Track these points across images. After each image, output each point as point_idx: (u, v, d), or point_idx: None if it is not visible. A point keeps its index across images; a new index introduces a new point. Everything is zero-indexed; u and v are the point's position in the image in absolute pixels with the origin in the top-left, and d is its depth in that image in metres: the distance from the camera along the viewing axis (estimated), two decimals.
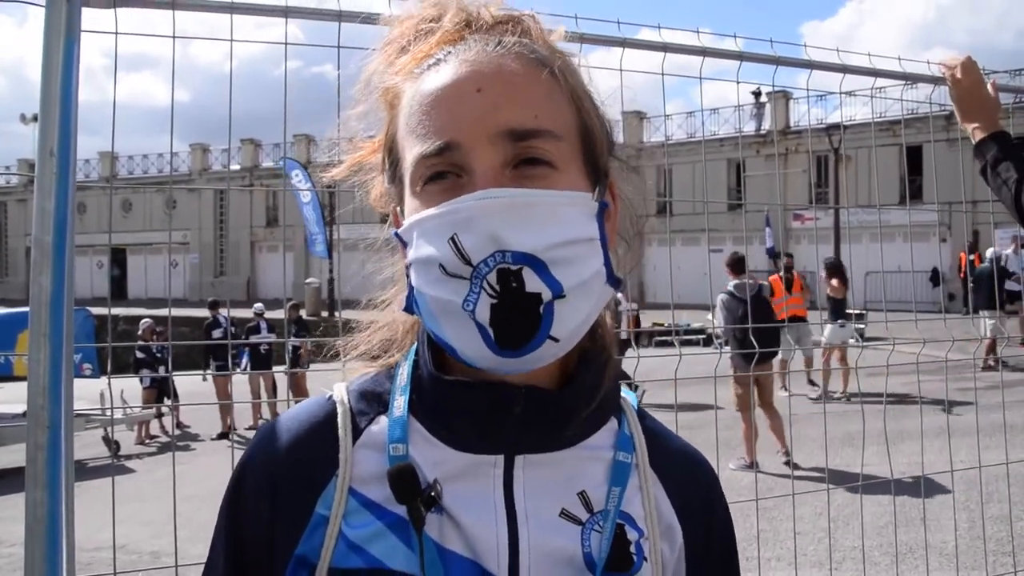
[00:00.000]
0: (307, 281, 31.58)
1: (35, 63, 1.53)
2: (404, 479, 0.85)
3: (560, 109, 0.87)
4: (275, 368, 14.54)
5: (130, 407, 12.39)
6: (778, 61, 2.36)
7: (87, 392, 8.91)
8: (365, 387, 0.98)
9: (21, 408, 1.58)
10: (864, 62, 2.50)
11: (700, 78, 2.36)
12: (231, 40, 1.88)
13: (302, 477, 0.91)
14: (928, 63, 2.58)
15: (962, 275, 21.44)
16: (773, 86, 2.61)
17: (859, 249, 26.16)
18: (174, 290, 43.61)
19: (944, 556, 5.72)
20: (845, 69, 2.46)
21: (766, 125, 33.90)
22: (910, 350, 3.20)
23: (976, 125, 2.42)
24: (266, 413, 13.26)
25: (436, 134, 0.84)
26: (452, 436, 0.89)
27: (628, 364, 1.80)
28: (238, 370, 14.39)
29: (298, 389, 12.21)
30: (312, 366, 13.27)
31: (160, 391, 13.76)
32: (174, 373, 13.40)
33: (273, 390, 14.14)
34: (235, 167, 44.29)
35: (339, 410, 0.94)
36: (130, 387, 14.07)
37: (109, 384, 2.06)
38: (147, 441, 13.41)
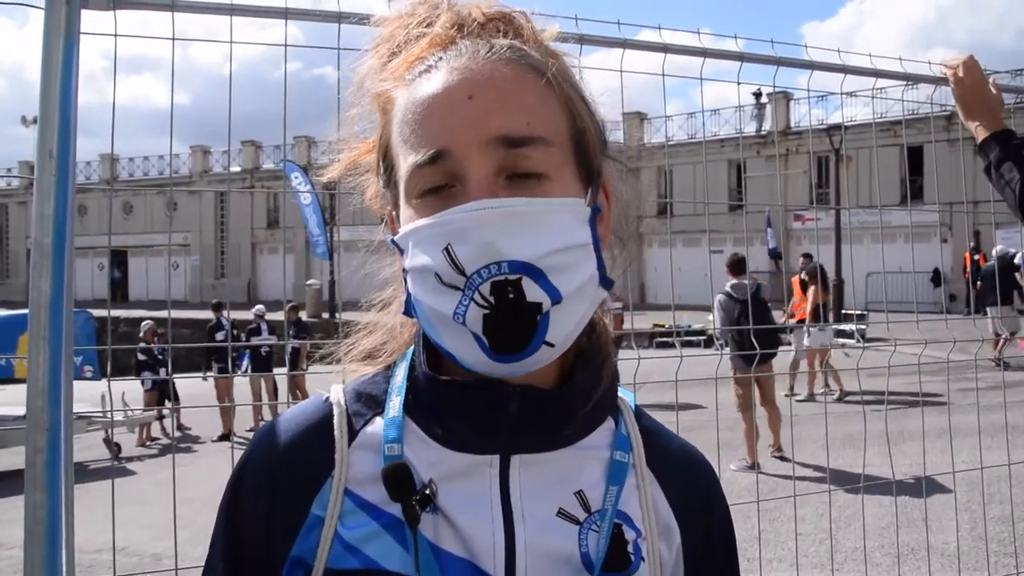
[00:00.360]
0: (308, 283, 31.58)
1: (36, 66, 1.53)
2: (398, 478, 0.86)
3: (552, 114, 0.87)
4: (275, 370, 14.54)
5: (131, 409, 12.38)
6: (779, 62, 2.35)
7: (88, 394, 8.91)
8: (361, 388, 0.98)
9: (22, 410, 1.57)
10: (865, 63, 2.49)
11: (700, 79, 2.36)
12: (231, 42, 1.88)
13: (298, 478, 0.91)
14: (929, 63, 2.58)
15: (967, 275, 21.45)
16: (774, 87, 2.61)
17: (860, 250, 26.15)
18: (175, 292, 43.66)
19: (946, 557, 5.72)
20: (846, 70, 2.46)
21: (767, 126, 33.90)
22: (911, 351, 3.20)
23: (979, 124, 2.42)
24: (267, 415, 13.25)
25: (429, 142, 0.84)
26: (448, 436, 0.90)
27: (628, 365, 1.80)
28: (239, 372, 14.41)
29: (297, 391, 12.21)
30: (311, 368, 13.29)
31: (161, 393, 13.76)
32: (175, 375, 13.41)
33: (274, 392, 14.15)
34: (236, 169, 44.32)
35: (335, 411, 0.95)
36: (131, 389, 14.07)
37: (109, 387, 2.05)
38: (148, 443, 13.41)
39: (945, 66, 2.49)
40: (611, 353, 0.99)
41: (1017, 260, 14.19)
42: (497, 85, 0.85)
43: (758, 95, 32.53)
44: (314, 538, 0.88)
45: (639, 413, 1.03)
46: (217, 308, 15.25)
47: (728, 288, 9.12)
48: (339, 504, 0.89)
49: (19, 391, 1.67)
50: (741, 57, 2.32)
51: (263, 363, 14.29)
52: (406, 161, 0.86)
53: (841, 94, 2.66)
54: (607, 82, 1.01)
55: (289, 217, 32.16)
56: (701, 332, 18.33)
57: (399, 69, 0.91)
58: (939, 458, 4.89)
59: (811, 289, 12.48)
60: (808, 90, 2.63)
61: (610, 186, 0.96)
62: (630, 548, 0.91)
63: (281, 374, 13.22)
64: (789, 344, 12.61)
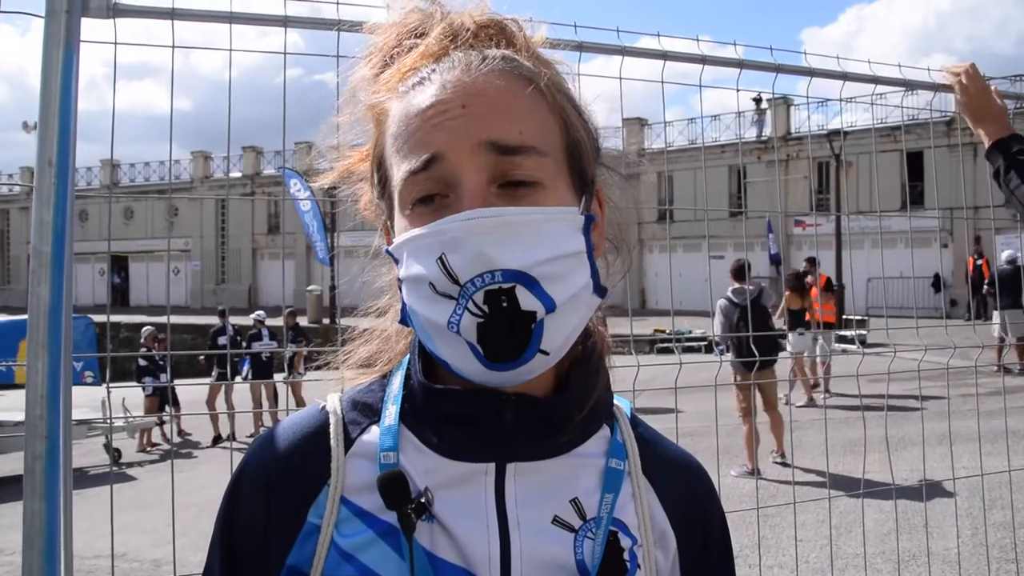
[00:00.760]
0: (308, 288, 31.60)
1: (37, 72, 1.54)
2: (393, 486, 0.86)
3: (545, 124, 0.88)
4: (275, 376, 14.54)
5: (131, 416, 12.38)
6: (778, 68, 2.36)
7: (89, 400, 8.92)
8: (358, 397, 0.98)
9: (22, 416, 1.57)
10: (864, 69, 2.50)
11: (700, 86, 2.36)
12: (230, 49, 1.89)
13: (295, 486, 0.91)
14: (928, 70, 2.58)
15: (969, 280, 21.43)
16: (773, 93, 2.62)
17: (861, 255, 26.15)
18: (176, 297, 43.66)
19: (947, 563, 5.70)
20: (845, 76, 2.46)
21: (767, 131, 33.92)
22: (912, 356, 3.20)
23: (986, 130, 2.43)
24: (267, 421, 13.25)
25: (422, 149, 0.84)
26: (443, 444, 0.90)
27: (628, 372, 1.80)
28: (239, 378, 14.41)
29: (296, 397, 12.22)
30: (309, 375, 13.29)
31: (163, 399, 13.76)
32: (176, 381, 13.41)
33: (275, 398, 14.15)
34: (236, 175, 44.35)
35: (331, 420, 0.95)
36: (132, 395, 14.08)
37: (108, 393, 2.05)
38: (149, 449, 13.40)
39: (948, 72, 2.50)
40: (605, 361, 0.99)
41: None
42: (490, 95, 0.85)
43: (758, 101, 32.54)
44: (310, 546, 0.88)
45: (635, 421, 1.03)
46: (223, 315, 15.43)
47: (729, 293, 9.13)
48: (335, 512, 0.89)
49: (20, 396, 1.67)
50: (740, 64, 2.32)
51: (263, 369, 14.29)
52: (400, 170, 0.87)
53: (840, 100, 2.66)
54: (607, 89, 1.00)
55: (289, 223, 32.19)
56: (702, 338, 18.34)
57: (392, 80, 0.92)
58: (940, 464, 4.89)
59: (785, 294, 12.54)
60: (807, 96, 2.63)
61: (603, 194, 0.97)
62: (626, 556, 0.91)
63: (280, 381, 13.23)
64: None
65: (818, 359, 12.52)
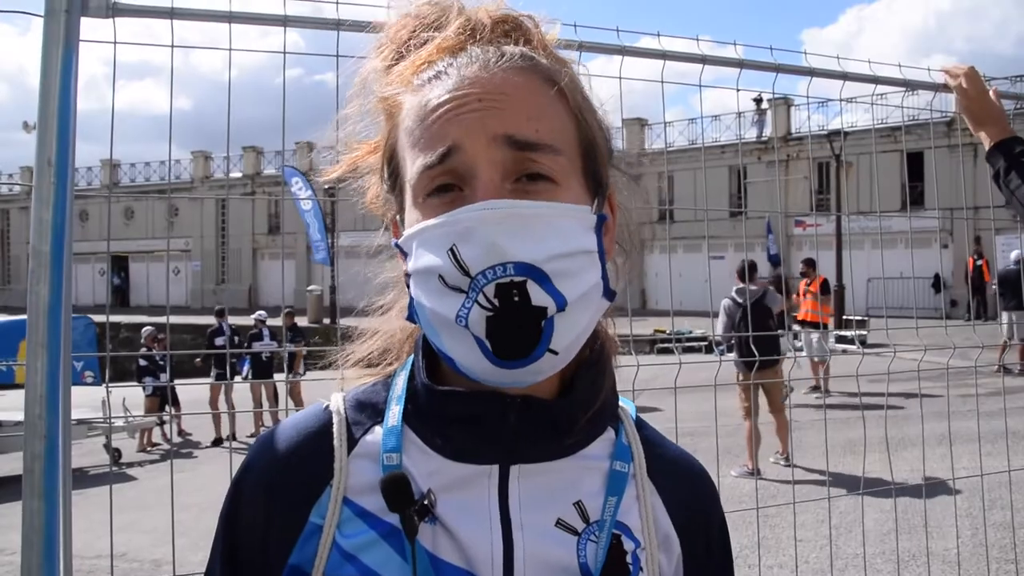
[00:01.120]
0: (309, 288, 31.60)
1: (36, 72, 1.53)
2: (396, 487, 0.85)
3: (562, 123, 0.87)
4: (275, 376, 14.54)
5: (131, 416, 12.38)
6: (778, 68, 2.36)
7: (90, 400, 8.92)
8: (361, 397, 0.98)
9: (22, 416, 1.57)
10: (864, 69, 2.50)
11: (700, 85, 2.36)
12: (230, 49, 1.89)
13: (297, 486, 0.91)
14: (928, 70, 2.58)
15: (969, 280, 21.45)
16: (773, 93, 2.62)
17: (861, 255, 26.15)
18: (176, 298, 43.66)
19: (947, 564, 5.70)
20: (845, 76, 2.46)
21: (767, 132, 33.92)
22: (911, 356, 3.20)
23: (986, 133, 2.43)
24: (268, 421, 13.25)
25: (438, 142, 0.83)
26: (446, 446, 0.89)
27: (628, 371, 1.80)
28: (238, 378, 14.41)
29: (295, 397, 12.22)
30: (309, 374, 13.28)
31: (163, 399, 13.75)
32: (176, 381, 13.41)
33: (274, 398, 14.15)
34: (237, 175, 44.35)
35: (334, 420, 0.95)
36: (133, 394, 14.08)
37: (107, 393, 2.05)
38: (149, 449, 13.40)
39: (947, 73, 2.50)
40: (611, 363, 0.98)
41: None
42: (507, 92, 0.85)
43: (759, 101, 32.55)
44: (312, 546, 0.88)
45: (640, 423, 1.02)
46: (220, 315, 15.31)
47: (734, 292, 9.15)
48: (338, 512, 0.88)
49: (20, 396, 1.67)
50: (740, 64, 2.32)
51: (264, 368, 14.29)
52: (414, 164, 0.86)
53: (840, 100, 2.66)
54: (606, 89, 1.00)
55: (289, 223, 32.21)
56: (702, 338, 18.34)
57: (406, 72, 0.91)
58: (940, 464, 4.89)
59: None
60: (808, 96, 2.63)
61: (615, 198, 0.96)
62: (629, 559, 0.91)
63: (280, 380, 13.23)
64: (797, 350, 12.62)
65: (815, 359, 12.52)
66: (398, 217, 0.93)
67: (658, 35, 2.25)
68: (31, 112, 1.55)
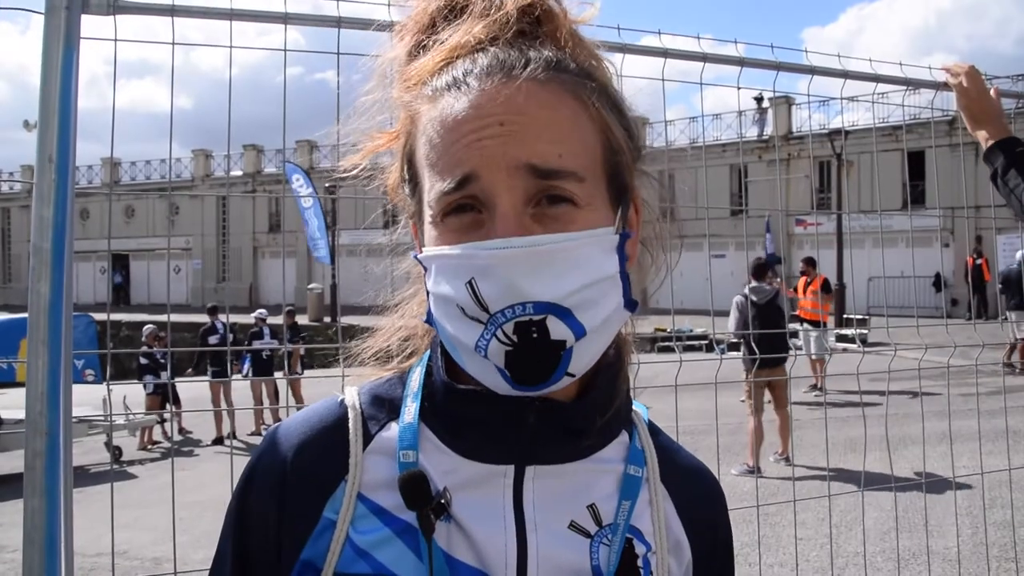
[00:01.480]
0: (309, 287, 31.60)
1: (37, 70, 1.53)
2: (414, 485, 0.85)
3: (586, 144, 0.84)
4: (275, 374, 14.54)
5: (132, 413, 12.39)
6: (779, 66, 2.35)
7: (91, 398, 8.92)
8: (377, 392, 0.97)
9: (23, 414, 1.57)
10: (865, 67, 2.49)
11: (700, 83, 2.36)
12: (230, 47, 1.89)
13: (311, 480, 0.90)
14: (929, 68, 2.58)
15: (968, 279, 21.44)
16: (774, 91, 2.61)
17: (862, 254, 26.12)
18: (177, 296, 43.65)
19: (947, 562, 5.71)
20: (846, 74, 2.46)
21: (768, 131, 33.90)
22: (912, 355, 3.20)
23: (985, 132, 2.43)
24: (268, 419, 13.26)
25: (456, 169, 0.81)
26: (463, 445, 0.89)
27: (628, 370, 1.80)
28: (238, 376, 14.39)
29: (295, 395, 12.22)
30: (309, 372, 13.29)
31: (164, 397, 13.75)
32: (177, 379, 13.40)
33: (275, 396, 14.14)
34: (237, 173, 44.35)
35: (350, 415, 0.94)
36: (134, 393, 14.09)
37: (108, 391, 2.05)
38: (150, 447, 13.40)
39: (948, 71, 2.50)
40: (627, 366, 0.98)
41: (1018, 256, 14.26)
42: (530, 112, 0.81)
43: (760, 100, 32.52)
44: (325, 542, 0.87)
45: (654, 429, 1.02)
46: (213, 312, 15.09)
47: (747, 290, 9.18)
48: (352, 508, 0.88)
49: (21, 395, 1.67)
50: (741, 62, 2.32)
51: (264, 367, 14.27)
52: (433, 187, 0.83)
53: (841, 99, 2.66)
54: None
55: (290, 221, 32.16)
56: (702, 336, 18.33)
57: (424, 72, 0.88)
58: (940, 463, 4.89)
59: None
60: (808, 95, 2.63)
61: (639, 200, 0.94)
62: (640, 563, 0.91)
63: (281, 378, 13.24)
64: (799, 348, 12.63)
65: (814, 357, 12.53)
66: (416, 221, 0.92)
67: (659, 33, 2.24)
68: (32, 110, 1.55)
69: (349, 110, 1.00)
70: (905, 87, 2.61)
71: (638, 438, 0.98)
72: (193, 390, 15.89)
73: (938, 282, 25.79)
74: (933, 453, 5.73)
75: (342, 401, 0.96)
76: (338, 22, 1.74)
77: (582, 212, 0.82)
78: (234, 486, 0.97)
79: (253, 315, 14.87)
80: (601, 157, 0.86)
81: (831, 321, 15.47)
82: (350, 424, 0.93)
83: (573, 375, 0.83)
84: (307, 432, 0.94)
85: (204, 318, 15.75)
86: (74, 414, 1.61)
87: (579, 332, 0.81)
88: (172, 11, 1.69)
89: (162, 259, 44.13)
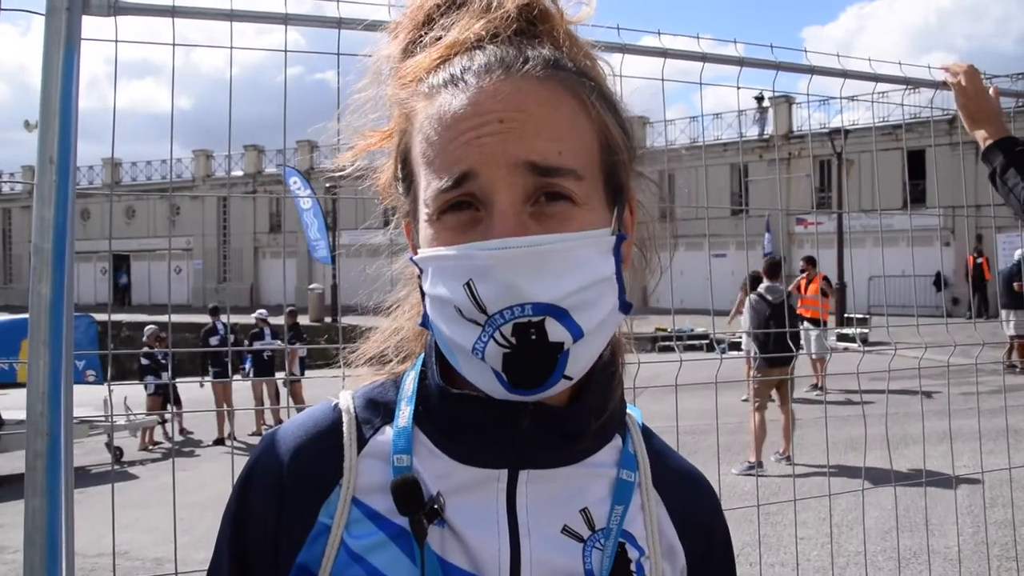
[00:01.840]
0: (310, 287, 31.60)
1: (37, 70, 1.53)
2: (407, 491, 0.85)
3: (584, 142, 0.84)
4: (277, 375, 14.54)
5: (133, 414, 12.39)
6: (779, 66, 2.35)
7: (91, 398, 8.92)
8: (371, 396, 0.97)
9: (24, 415, 1.58)
10: (865, 67, 2.50)
11: (700, 83, 2.36)
12: (231, 47, 1.89)
13: (306, 485, 0.90)
14: (929, 67, 2.58)
15: (969, 278, 21.45)
16: (774, 91, 2.62)
17: (862, 253, 26.11)
18: (178, 296, 43.66)
19: (948, 561, 5.71)
20: (845, 74, 2.46)
21: (769, 130, 33.90)
22: (913, 355, 3.20)
23: (983, 132, 2.43)
24: (269, 419, 13.26)
25: (455, 165, 0.80)
26: (457, 449, 0.89)
27: (629, 370, 1.80)
28: (238, 376, 14.38)
29: (295, 396, 12.22)
30: (310, 373, 13.28)
31: (165, 397, 13.75)
32: (178, 380, 13.40)
33: (276, 396, 14.14)
34: (238, 173, 44.36)
35: (345, 419, 0.94)
36: (135, 393, 14.09)
37: (109, 391, 2.06)
38: (151, 447, 13.41)
39: (947, 70, 2.50)
40: (622, 369, 0.98)
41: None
42: (530, 110, 0.81)
43: (760, 99, 32.52)
44: (320, 546, 0.87)
45: (647, 432, 1.02)
46: (214, 313, 15.11)
47: (761, 290, 9.18)
48: (346, 513, 0.88)
49: (22, 395, 1.68)
50: (741, 62, 2.32)
51: (265, 367, 14.27)
52: (429, 185, 0.83)
53: (841, 98, 2.66)
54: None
55: (291, 221, 32.16)
56: (703, 336, 18.33)
57: (420, 69, 0.87)
58: (941, 462, 4.88)
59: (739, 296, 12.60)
60: (808, 94, 2.63)
61: (635, 201, 0.94)
62: (633, 567, 0.90)
63: (281, 378, 13.24)
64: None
65: (815, 356, 12.54)
66: (410, 220, 0.91)
67: (659, 33, 2.24)
68: (32, 111, 1.55)
69: (343, 107, 1.00)
70: (905, 86, 2.61)
71: (631, 442, 0.97)
72: (194, 391, 15.88)
73: (938, 281, 25.79)
74: (934, 452, 5.73)
75: (336, 405, 0.96)
76: (338, 23, 1.75)
77: (580, 211, 0.82)
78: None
79: (254, 315, 14.89)
80: (598, 156, 0.86)
81: (831, 320, 15.48)
82: (344, 428, 0.93)
83: (570, 378, 0.83)
84: (302, 436, 0.94)
85: (205, 318, 15.74)
86: (75, 415, 1.62)
87: (577, 334, 0.80)
88: (173, 12, 1.69)
89: (163, 259, 44.13)
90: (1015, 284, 13.74)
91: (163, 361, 13.47)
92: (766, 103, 33.18)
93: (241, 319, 16.75)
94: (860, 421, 2.78)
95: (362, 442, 0.92)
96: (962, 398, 6.98)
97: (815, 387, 12.71)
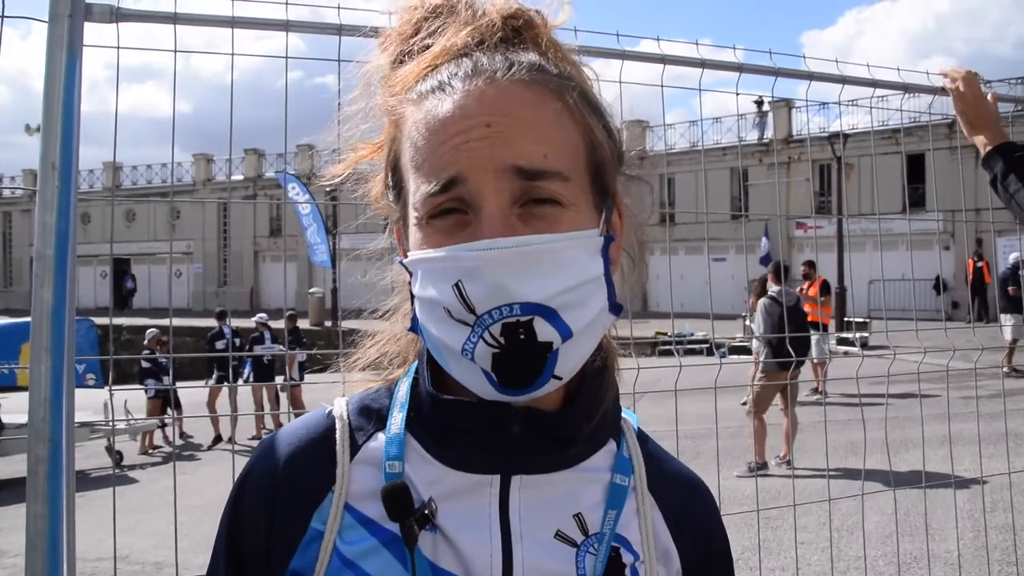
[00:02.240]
0: (310, 291, 31.60)
1: (38, 74, 1.54)
2: (397, 497, 0.85)
3: (570, 144, 0.85)
4: (277, 379, 14.54)
5: (133, 418, 12.38)
6: (777, 72, 2.36)
7: (91, 402, 8.93)
8: (364, 402, 0.97)
9: (24, 418, 1.58)
10: (863, 72, 2.50)
11: (699, 89, 2.37)
12: (232, 54, 1.90)
13: (299, 491, 0.91)
14: (927, 73, 2.59)
15: (969, 283, 21.45)
16: (773, 96, 2.62)
17: (862, 257, 26.14)
18: (178, 300, 43.63)
19: (948, 566, 5.70)
20: (844, 80, 2.47)
21: (768, 134, 33.92)
22: (912, 359, 3.20)
23: (982, 137, 2.44)
24: (269, 423, 13.27)
25: (442, 171, 0.81)
26: (449, 455, 0.89)
27: (628, 375, 1.81)
28: (240, 380, 14.40)
29: (295, 400, 12.21)
30: (310, 377, 13.27)
31: (165, 401, 13.76)
32: (178, 384, 13.40)
33: (276, 400, 14.15)
34: (238, 177, 44.40)
35: (338, 426, 0.94)
36: (134, 397, 14.08)
37: (110, 396, 2.06)
38: (151, 451, 13.40)
39: (945, 76, 2.51)
40: (614, 372, 0.98)
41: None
42: (515, 113, 0.82)
43: (760, 103, 32.55)
44: (313, 552, 0.88)
45: (643, 436, 1.02)
46: (220, 317, 15.22)
47: (773, 293, 9.20)
48: (339, 519, 0.88)
49: (22, 399, 1.68)
50: (740, 68, 2.33)
51: (265, 371, 14.29)
52: (418, 189, 0.84)
53: (840, 103, 2.67)
54: (607, 93, 0.98)
55: (291, 225, 32.17)
56: (703, 340, 18.33)
57: (409, 78, 0.89)
58: (941, 466, 4.88)
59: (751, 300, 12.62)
60: (807, 100, 2.64)
61: (623, 206, 0.94)
62: (627, 572, 0.91)
63: (281, 383, 13.24)
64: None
65: (815, 360, 12.54)
66: (401, 226, 0.92)
67: (658, 39, 2.25)
68: (32, 115, 1.56)
69: (335, 118, 1.01)
70: (903, 92, 2.62)
71: (626, 446, 0.97)
72: (194, 394, 15.89)
73: (938, 285, 25.81)
74: (934, 456, 5.73)
75: (330, 412, 0.96)
76: (339, 29, 1.75)
77: (567, 212, 0.83)
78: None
79: (254, 319, 14.92)
80: (584, 158, 0.87)
81: (831, 323, 15.47)
82: (337, 435, 0.93)
83: (560, 378, 0.83)
84: (296, 443, 0.94)
85: (204, 322, 15.78)
86: (75, 419, 1.62)
87: (565, 334, 0.81)
88: (175, 19, 1.70)
89: (163, 263, 44.08)
90: (1010, 289, 13.76)
91: (164, 363, 13.47)
92: (766, 107, 33.22)
93: (241, 323, 16.77)
94: (860, 425, 2.79)
95: (355, 448, 0.92)
96: (962, 402, 6.98)
97: (815, 391, 12.70)
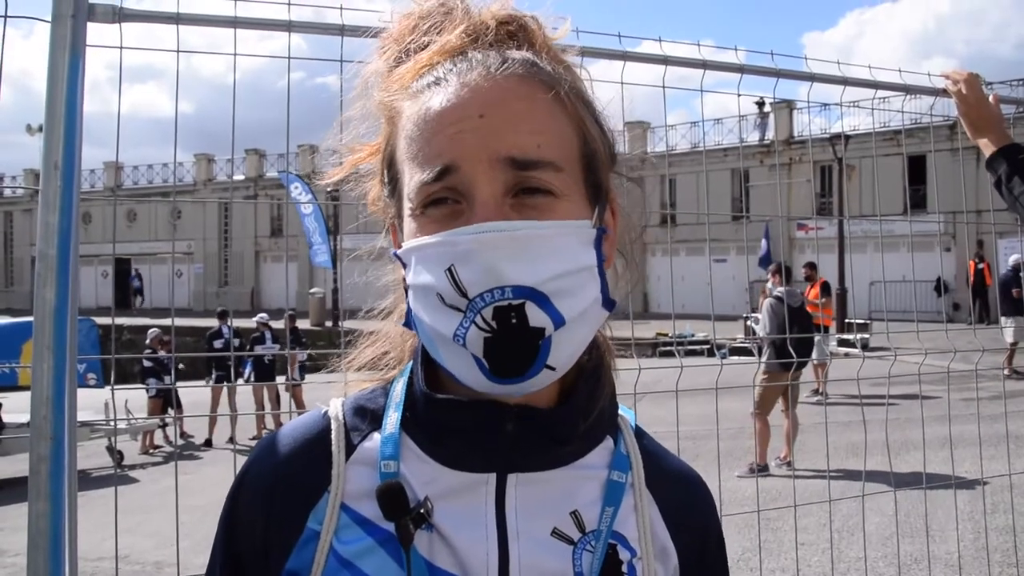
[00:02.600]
0: (311, 291, 31.61)
1: (40, 74, 1.54)
2: (391, 496, 0.85)
3: (563, 137, 0.86)
4: (277, 379, 14.55)
5: (134, 418, 12.38)
6: (779, 74, 2.37)
7: (92, 402, 8.94)
8: (360, 403, 0.98)
9: (26, 418, 1.59)
10: (864, 74, 2.51)
11: (701, 90, 2.37)
12: (234, 54, 1.90)
13: (295, 492, 0.91)
14: (928, 75, 2.59)
15: (970, 284, 21.45)
16: (774, 97, 2.63)
17: (863, 259, 26.13)
18: (179, 300, 43.66)
19: (949, 567, 5.70)
20: (845, 81, 2.47)
21: (770, 135, 33.92)
22: (913, 360, 3.20)
23: (986, 139, 2.44)
24: (270, 423, 13.27)
25: (436, 160, 0.82)
26: (444, 454, 0.89)
27: (629, 375, 1.81)
28: (240, 380, 14.42)
29: (296, 400, 12.22)
30: (311, 377, 13.28)
31: (166, 401, 13.77)
32: (179, 384, 13.41)
33: (277, 400, 14.15)
34: (239, 177, 44.41)
35: (333, 426, 0.94)
36: (135, 396, 14.09)
37: (112, 395, 2.06)
38: (152, 451, 13.41)
39: (947, 78, 2.51)
40: (611, 370, 0.98)
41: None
42: (509, 104, 0.83)
43: (761, 104, 32.54)
44: (309, 552, 0.88)
45: (640, 433, 1.02)
46: (222, 316, 15.24)
47: (778, 293, 9.20)
48: (335, 519, 0.89)
49: (23, 398, 1.69)
50: (741, 69, 2.33)
51: (266, 371, 14.29)
52: (412, 178, 0.85)
53: (841, 105, 2.67)
54: (608, 93, 0.99)
55: (292, 225, 32.19)
56: (704, 341, 18.33)
57: (406, 77, 0.90)
58: (942, 468, 4.89)
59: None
60: (808, 101, 2.64)
61: (616, 204, 0.95)
62: (625, 568, 0.91)
63: (282, 383, 13.24)
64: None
65: (816, 362, 12.54)
66: (396, 222, 0.93)
67: (660, 40, 2.26)
68: (34, 114, 1.57)
69: (337, 119, 1.02)
70: (904, 93, 2.62)
71: (623, 443, 0.97)
72: (195, 394, 15.90)
73: (939, 286, 25.81)
74: (935, 458, 5.73)
75: (325, 413, 0.97)
76: (341, 30, 1.75)
77: (560, 202, 0.84)
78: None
79: (255, 319, 14.93)
80: (577, 150, 0.88)
81: (832, 325, 15.48)
82: (333, 435, 0.93)
83: (553, 368, 0.83)
84: (291, 444, 0.95)
85: (205, 322, 15.80)
86: (77, 418, 1.62)
87: (558, 320, 0.81)
88: (177, 19, 1.70)
89: (164, 263, 44.09)
90: (1013, 291, 13.74)
91: (166, 362, 13.48)
92: (767, 108, 33.22)
93: (242, 323, 16.78)
94: (861, 426, 2.79)
95: (350, 449, 0.93)
96: (963, 404, 6.98)
97: (816, 392, 12.70)
